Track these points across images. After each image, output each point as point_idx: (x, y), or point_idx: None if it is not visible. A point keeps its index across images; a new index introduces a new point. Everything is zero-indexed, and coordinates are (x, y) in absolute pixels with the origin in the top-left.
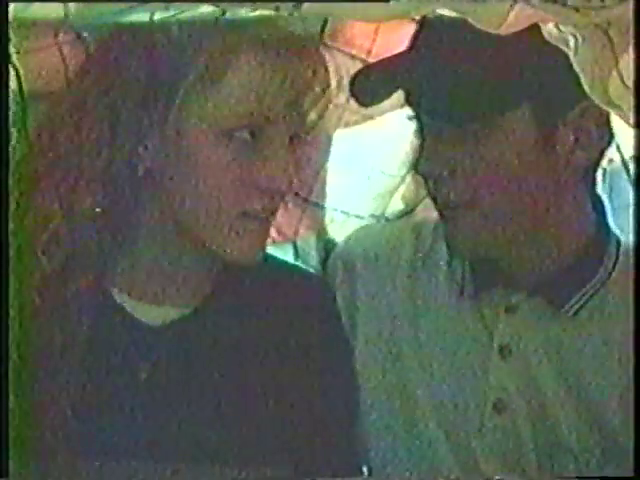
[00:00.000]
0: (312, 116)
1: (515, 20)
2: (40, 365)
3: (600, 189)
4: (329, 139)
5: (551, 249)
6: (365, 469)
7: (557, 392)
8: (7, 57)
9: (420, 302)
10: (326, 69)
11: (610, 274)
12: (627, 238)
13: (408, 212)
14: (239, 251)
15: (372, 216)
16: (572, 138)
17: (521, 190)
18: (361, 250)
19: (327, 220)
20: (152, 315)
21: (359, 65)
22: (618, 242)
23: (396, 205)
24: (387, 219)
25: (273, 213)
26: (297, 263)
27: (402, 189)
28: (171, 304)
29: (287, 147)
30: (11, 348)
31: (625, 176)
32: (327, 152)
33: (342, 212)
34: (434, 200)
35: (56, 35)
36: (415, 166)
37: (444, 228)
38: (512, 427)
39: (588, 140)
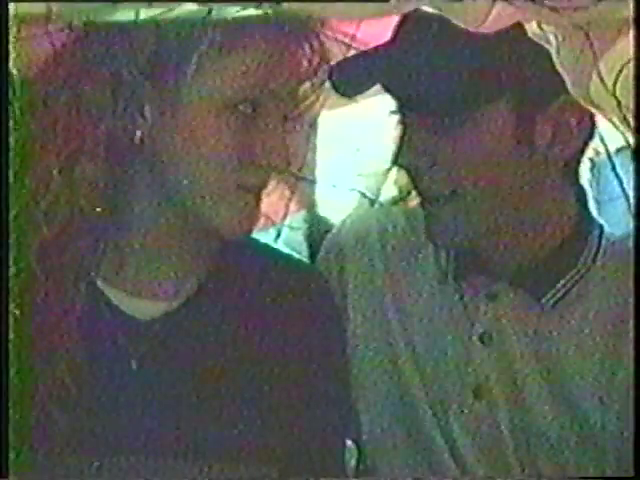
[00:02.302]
0: (307, 95)
1: (497, 18)
2: (37, 347)
3: (585, 180)
4: (316, 119)
5: (531, 240)
6: (350, 443)
7: (536, 380)
8: (7, 57)
9: (407, 287)
10: (323, 52)
11: (591, 265)
12: (613, 229)
13: (402, 198)
14: (233, 224)
15: (364, 195)
16: (550, 132)
17: (500, 182)
18: (353, 234)
19: (318, 197)
20: (141, 309)
21: (344, 49)
22: (601, 233)
23: (390, 191)
24: (381, 204)
25: (264, 187)
26: (287, 250)
27: (394, 175)
28: (159, 298)
29: (284, 124)
30: (11, 323)
31: (611, 168)
32: (316, 131)
33: (333, 186)
34: (416, 191)
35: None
36: (396, 158)
37: (425, 219)
38: (490, 413)
39: (567, 134)
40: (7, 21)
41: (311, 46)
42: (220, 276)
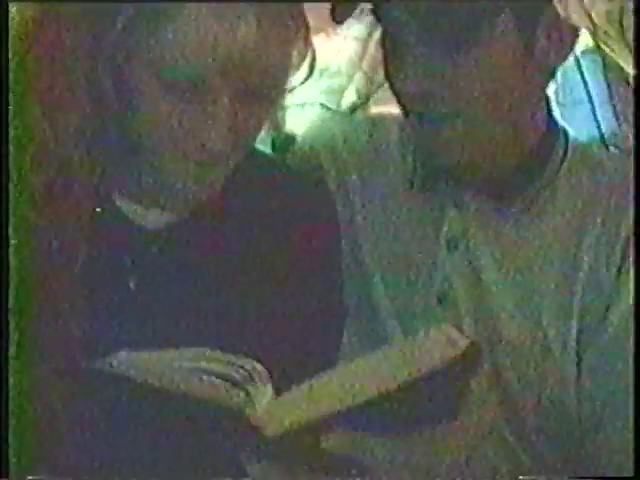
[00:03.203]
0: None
1: None
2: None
3: (550, 86)
4: None
5: (501, 147)
6: None
7: (501, 287)
8: (7, 57)
9: (374, 194)
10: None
11: (558, 172)
12: (578, 134)
13: (363, 103)
14: (198, 191)
15: (325, 107)
16: (546, 39)
17: (499, 97)
18: (321, 140)
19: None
20: (148, 218)
21: None
22: (566, 140)
23: (350, 97)
24: (342, 113)
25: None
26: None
27: (355, 84)
28: (166, 208)
29: (234, 105)
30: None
31: (577, 72)
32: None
33: (296, 105)
34: (405, 111)
35: None
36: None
37: (418, 137)
38: (454, 317)
39: (560, 39)
40: (7, 21)
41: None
42: (226, 188)
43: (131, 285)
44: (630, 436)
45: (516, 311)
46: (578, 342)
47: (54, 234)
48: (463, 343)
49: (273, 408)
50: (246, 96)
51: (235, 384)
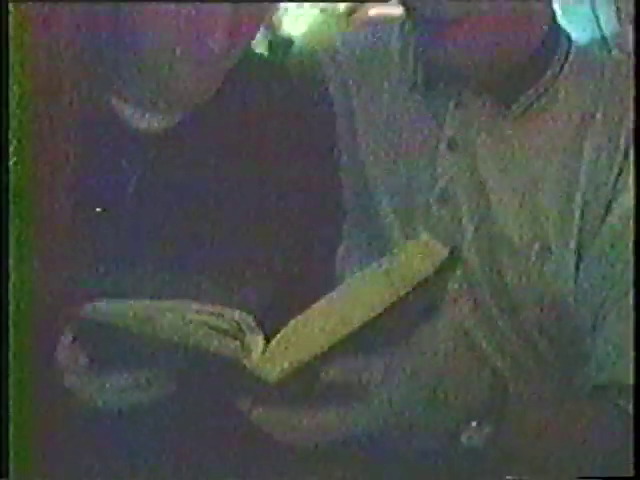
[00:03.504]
0: None
1: None
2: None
3: None
4: None
5: (503, 49)
6: None
7: (501, 186)
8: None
9: (374, 95)
10: None
11: (560, 73)
12: (579, 36)
13: (361, 5)
14: (195, 92)
15: (323, 10)
16: None
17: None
18: (320, 42)
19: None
20: (144, 121)
21: None
22: (569, 41)
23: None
24: (341, 14)
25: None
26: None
27: None
28: (165, 111)
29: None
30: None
31: None
32: None
33: (295, 8)
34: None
35: None
36: None
37: (419, 40)
38: (455, 217)
39: None
40: (7, 21)
41: None
42: (224, 91)
43: (129, 190)
44: (630, 436)
45: (516, 210)
46: (578, 242)
47: (49, 136)
48: (443, 252)
49: (269, 353)
50: None
51: (226, 334)
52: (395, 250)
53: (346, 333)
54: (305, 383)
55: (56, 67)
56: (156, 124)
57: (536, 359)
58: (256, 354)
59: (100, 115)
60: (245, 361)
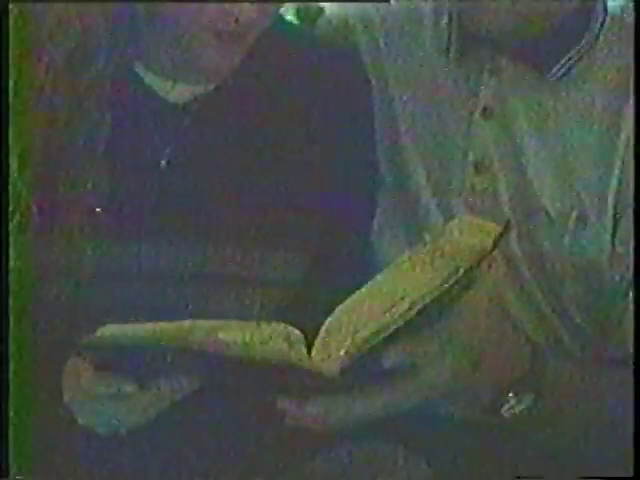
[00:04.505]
0: None
1: None
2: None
3: None
4: None
5: (539, 16)
6: None
7: (538, 155)
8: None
9: (408, 62)
10: None
11: (596, 40)
12: (614, 3)
13: None
14: (224, 62)
15: None
16: None
17: None
18: (351, 10)
19: None
20: (174, 92)
21: None
22: (605, 7)
23: None
24: None
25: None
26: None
27: None
28: (194, 81)
29: None
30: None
31: None
32: None
33: None
34: None
35: None
36: None
37: (453, 6)
38: (491, 187)
39: None
40: (7, 20)
41: None
42: (253, 58)
43: (162, 163)
44: (630, 436)
45: (553, 180)
46: (615, 211)
47: (74, 104)
48: (497, 229)
49: (321, 345)
50: None
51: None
52: (440, 228)
53: (398, 315)
54: (360, 371)
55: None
56: (187, 95)
57: (572, 329)
58: (305, 351)
59: (130, 88)
60: (298, 361)
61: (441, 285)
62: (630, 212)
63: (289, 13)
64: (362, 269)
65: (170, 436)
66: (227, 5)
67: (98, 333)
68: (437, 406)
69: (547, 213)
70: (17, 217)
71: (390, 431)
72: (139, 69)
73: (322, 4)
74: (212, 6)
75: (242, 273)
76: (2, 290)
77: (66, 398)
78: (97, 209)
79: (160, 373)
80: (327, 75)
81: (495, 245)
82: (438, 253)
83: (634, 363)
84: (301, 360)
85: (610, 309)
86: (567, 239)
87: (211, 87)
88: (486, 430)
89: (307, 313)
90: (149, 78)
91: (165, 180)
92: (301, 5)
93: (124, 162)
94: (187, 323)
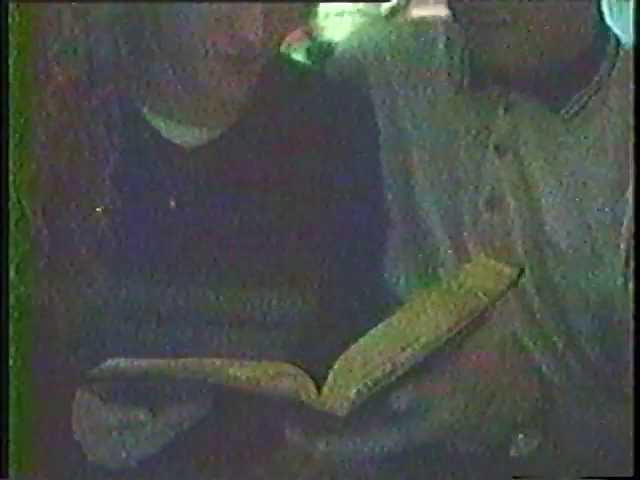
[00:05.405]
0: None
1: None
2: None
3: None
4: None
5: (552, 50)
6: None
7: (550, 191)
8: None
9: (421, 98)
10: None
11: (609, 76)
12: (628, 39)
13: (403, 8)
14: (227, 91)
15: (364, 13)
16: None
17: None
18: (363, 47)
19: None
20: (185, 136)
21: None
22: (617, 43)
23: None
24: (383, 17)
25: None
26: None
27: None
28: (204, 125)
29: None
30: None
31: None
32: None
33: (335, 14)
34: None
35: None
36: None
37: (466, 41)
38: (504, 223)
39: None
40: (7, 21)
41: None
42: (262, 100)
43: (172, 204)
44: (630, 436)
45: (566, 217)
46: (627, 246)
47: (80, 148)
48: (512, 273)
49: (332, 384)
50: None
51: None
52: (455, 270)
53: (412, 356)
54: (371, 410)
55: (78, 76)
56: (198, 138)
57: (584, 365)
58: (315, 390)
59: (137, 132)
60: (308, 399)
61: (455, 327)
62: None
63: (299, 52)
64: (374, 308)
65: (177, 465)
66: (230, 27)
67: (104, 366)
68: (445, 444)
69: (560, 249)
70: (23, 248)
71: (398, 468)
72: (147, 113)
73: (333, 40)
74: (214, 27)
75: (251, 314)
76: (2, 323)
77: (76, 435)
78: (97, 209)
79: (169, 400)
80: (337, 114)
81: (509, 289)
82: (453, 295)
83: (634, 363)
84: (311, 398)
85: (623, 345)
86: (580, 274)
87: (221, 129)
88: (494, 468)
89: (318, 354)
90: (157, 122)
91: (174, 220)
92: (310, 44)
93: (129, 200)
94: (195, 360)
